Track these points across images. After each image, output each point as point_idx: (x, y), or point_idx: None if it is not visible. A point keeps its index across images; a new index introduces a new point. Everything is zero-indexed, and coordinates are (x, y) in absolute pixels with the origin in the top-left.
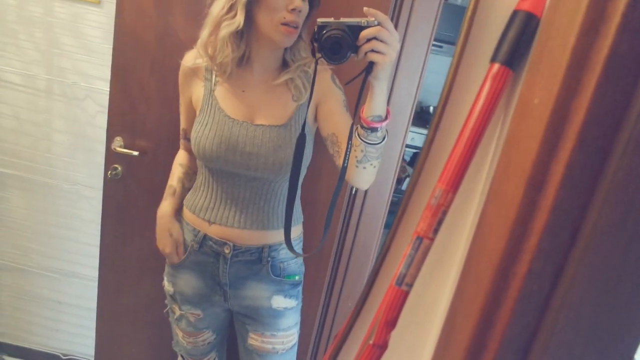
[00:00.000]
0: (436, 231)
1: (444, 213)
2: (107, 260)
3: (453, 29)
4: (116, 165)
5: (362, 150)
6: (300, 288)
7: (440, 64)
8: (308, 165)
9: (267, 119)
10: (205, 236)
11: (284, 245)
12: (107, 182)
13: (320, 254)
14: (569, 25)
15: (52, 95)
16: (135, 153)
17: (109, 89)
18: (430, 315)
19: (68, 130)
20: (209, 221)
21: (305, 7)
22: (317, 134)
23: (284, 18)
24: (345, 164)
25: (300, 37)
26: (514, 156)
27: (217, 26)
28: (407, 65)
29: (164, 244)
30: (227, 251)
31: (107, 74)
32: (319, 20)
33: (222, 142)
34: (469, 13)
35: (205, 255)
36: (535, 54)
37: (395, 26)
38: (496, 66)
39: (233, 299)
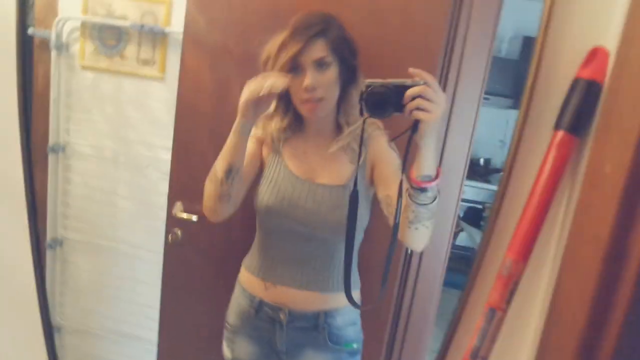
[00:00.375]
0: (508, 302)
1: (515, 284)
2: (166, 323)
3: (500, 80)
4: (177, 230)
5: (412, 211)
6: (358, 357)
7: (487, 115)
8: (365, 228)
9: (328, 179)
10: (261, 301)
11: (341, 312)
12: (167, 246)
13: (378, 316)
14: (636, 94)
15: (118, 165)
16: (195, 218)
17: (170, 157)
18: None
19: (132, 196)
20: (266, 280)
21: (324, 78)
22: (375, 198)
23: (302, 97)
24: (397, 222)
25: (346, 100)
26: (587, 225)
27: None
28: (458, 121)
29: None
30: (282, 317)
31: (168, 143)
32: (367, 80)
33: (285, 198)
34: (530, 80)
35: (262, 322)
36: (602, 121)
37: (445, 83)
38: (561, 133)
39: None
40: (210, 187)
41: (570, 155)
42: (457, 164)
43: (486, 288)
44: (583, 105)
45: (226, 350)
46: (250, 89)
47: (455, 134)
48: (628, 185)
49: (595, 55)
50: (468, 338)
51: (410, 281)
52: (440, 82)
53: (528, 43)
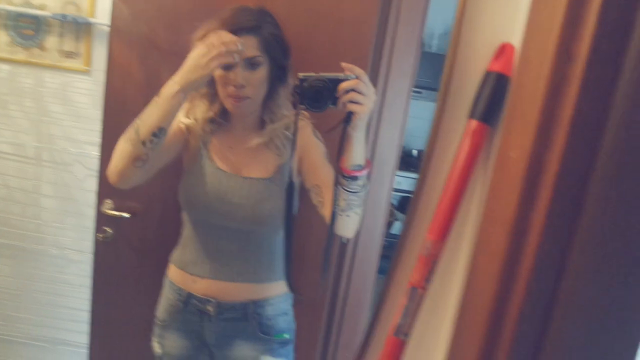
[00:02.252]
0: (428, 281)
1: (435, 263)
2: (98, 326)
3: (431, 75)
4: (106, 228)
5: (344, 199)
6: (290, 347)
7: (420, 109)
8: (293, 218)
9: (254, 172)
10: (189, 294)
11: (271, 301)
12: (97, 245)
13: (314, 305)
14: (536, 86)
15: (41, 162)
16: (126, 215)
17: (98, 153)
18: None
19: (56, 195)
20: (196, 275)
21: (254, 77)
22: (301, 187)
23: (229, 92)
24: (335, 210)
25: (273, 98)
26: (496, 207)
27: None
28: (389, 114)
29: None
30: (210, 309)
31: (95, 138)
32: (300, 74)
33: (211, 192)
34: (446, 72)
35: (190, 315)
36: (509, 111)
37: (375, 78)
38: (474, 122)
39: (220, 359)
40: (125, 147)
41: (483, 143)
42: (389, 155)
43: (410, 269)
44: (493, 96)
45: (156, 346)
46: (213, 44)
47: (386, 126)
48: (529, 169)
49: (504, 50)
50: (392, 316)
51: (345, 270)
52: (370, 77)
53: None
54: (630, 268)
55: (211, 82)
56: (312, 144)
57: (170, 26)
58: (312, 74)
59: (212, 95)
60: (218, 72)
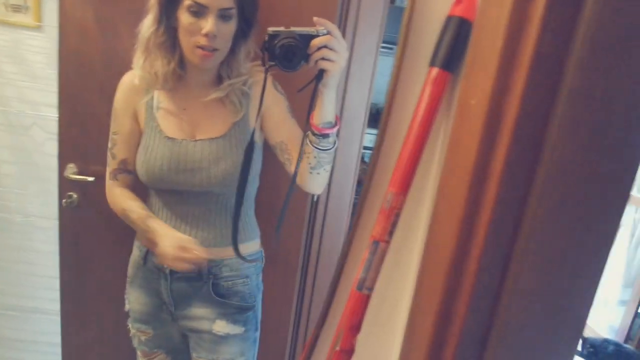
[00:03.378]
0: (391, 234)
1: (397, 215)
2: (68, 292)
3: (396, 30)
4: (71, 193)
5: (315, 157)
6: (251, 314)
7: (390, 66)
8: (259, 174)
9: (206, 133)
10: (148, 251)
11: (227, 263)
12: (62, 211)
13: (287, 264)
14: (495, 29)
15: None
16: (91, 179)
17: (57, 115)
18: (393, 316)
19: (16, 160)
20: None
21: (226, 28)
22: (265, 143)
23: (198, 42)
24: (297, 169)
25: (234, 53)
26: (457, 155)
27: (147, 44)
28: (358, 70)
29: (181, 238)
30: (165, 267)
31: (53, 99)
32: (270, 29)
33: (164, 164)
34: (405, 19)
35: (149, 272)
36: (469, 57)
37: (343, 33)
38: (435, 70)
39: (180, 320)
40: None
41: (444, 91)
42: (359, 112)
43: (372, 223)
44: (455, 42)
45: (126, 303)
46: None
47: (355, 82)
48: (489, 116)
49: None
50: (353, 273)
51: (317, 228)
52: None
53: None
54: (591, 214)
55: (169, 30)
56: (274, 98)
57: None
58: (282, 29)
59: (171, 46)
60: (187, 19)
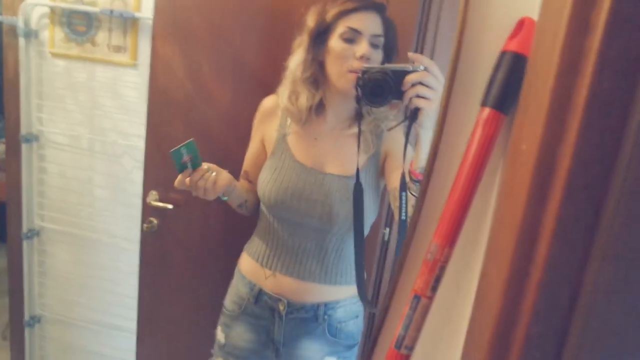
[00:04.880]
0: (434, 289)
1: (442, 269)
2: (145, 312)
3: None
4: (152, 219)
5: (412, 206)
6: (356, 349)
7: None
8: (371, 223)
9: (337, 169)
10: (260, 290)
11: (342, 304)
12: (143, 235)
13: None
14: (548, 65)
15: (94, 153)
16: (170, 206)
17: (144, 145)
18: None
19: (108, 185)
20: (266, 268)
21: (376, 55)
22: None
23: (352, 66)
24: (403, 218)
25: None
26: (507, 207)
27: (294, 78)
28: None
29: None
30: (281, 307)
31: (142, 131)
32: (364, 66)
33: (289, 187)
34: (453, 53)
35: (261, 310)
36: (523, 96)
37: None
38: (487, 110)
39: (285, 357)
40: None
41: (497, 134)
42: None
43: (414, 275)
44: (509, 80)
45: (220, 335)
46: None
47: None
48: (539, 165)
49: (522, 26)
50: (393, 327)
51: (388, 264)
52: None
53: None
54: None
55: (315, 64)
56: (400, 145)
57: (212, 19)
58: (376, 66)
59: (315, 81)
60: (340, 46)
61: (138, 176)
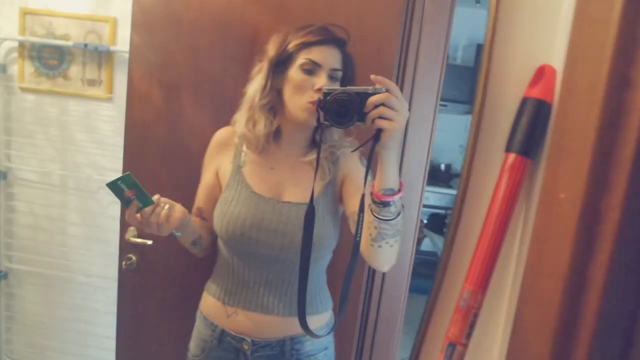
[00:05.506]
0: (469, 335)
1: (475, 316)
2: (123, 354)
3: (456, 87)
4: (130, 255)
5: (375, 227)
6: None
7: (446, 122)
8: (333, 248)
9: (295, 196)
10: (223, 331)
11: (309, 337)
12: (122, 272)
13: (343, 332)
14: (586, 118)
15: (66, 190)
16: (150, 242)
17: None
18: None
19: (82, 222)
20: (227, 305)
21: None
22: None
23: (311, 97)
24: (358, 239)
25: None
26: (545, 253)
27: (251, 104)
28: (417, 129)
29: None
30: (246, 347)
31: (119, 165)
32: (325, 88)
33: (248, 219)
34: (478, 104)
35: (225, 352)
36: (553, 144)
37: (401, 91)
38: (512, 156)
39: None
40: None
41: (523, 178)
42: (417, 172)
43: (445, 321)
44: (533, 125)
45: None
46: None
47: (413, 143)
48: (584, 214)
49: (543, 73)
50: None
51: (376, 292)
52: None
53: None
54: None
55: (273, 92)
56: (356, 169)
57: (190, 52)
58: (337, 87)
59: (273, 108)
60: (299, 77)
61: (115, 211)
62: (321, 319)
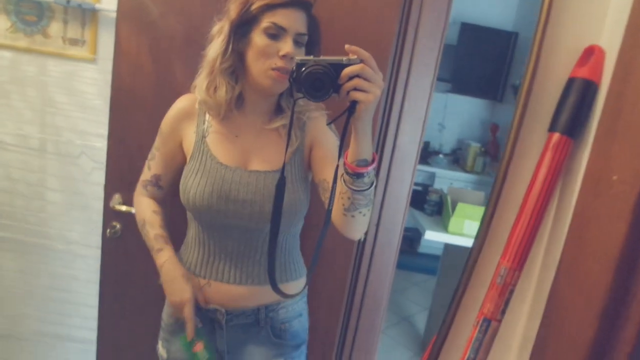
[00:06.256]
0: (504, 312)
1: (511, 292)
2: (106, 322)
3: (444, 66)
4: (115, 223)
5: (349, 198)
6: (304, 347)
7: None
8: (304, 214)
9: (262, 165)
10: (196, 303)
11: (283, 304)
12: (105, 241)
13: (331, 305)
14: None
15: (45, 154)
16: (134, 210)
17: (104, 145)
18: None
19: (63, 188)
20: (200, 277)
21: (299, 54)
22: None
23: (275, 64)
24: (330, 208)
25: None
26: (591, 234)
27: (212, 68)
28: (412, 108)
29: (183, 290)
30: (220, 318)
31: (102, 130)
32: (298, 58)
33: (214, 191)
34: (526, 80)
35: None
36: (604, 125)
37: (398, 70)
38: (556, 136)
39: None
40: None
41: (565, 158)
42: (411, 150)
43: (479, 296)
44: (579, 106)
45: (161, 350)
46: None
47: (409, 120)
48: None
49: (591, 53)
50: (452, 350)
51: (363, 269)
52: (393, 69)
53: (466, 29)
54: None
55: (236, 55)
56: (324, 136)
57: (181, 11)
58: (311, 57)
59: (235, 72)
60: (263, 42)
61: (98, 178)
62: (297, 285)
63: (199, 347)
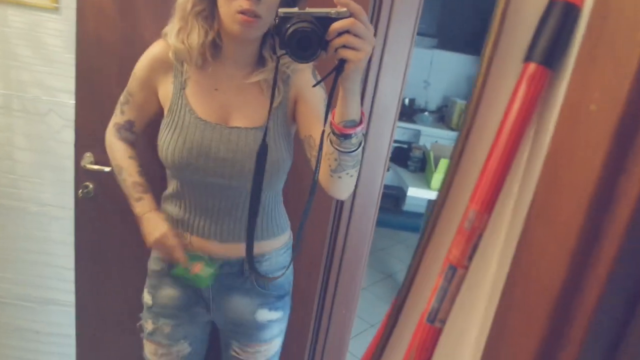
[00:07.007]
0: (471, 258)
1: (480, 237)
2: (83, 283)
3: (423, 20)
4: (87, 183)
5: (335, 159)
6: (287, 298)
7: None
8: (287, 170)
9: (243, 121)
10: (184, 249)
11: (267, 257)
12: (78, 201)
13: (311, 260)
14: (633, 19)
15: (11, 112)
16: (107, 169)
17: (74, 102)
18: (458, 347)
19: (31, 147)
20: (184, 232)
21: None
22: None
23: (240, 6)
24: (317, 172)
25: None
26: (565, 170)
27: (184, 12)
28: (392, 61)
29: (159, 225)
30: None
31: (71, 85)
32: (281, 10)
33: (193, 148)
34: (501, 5)
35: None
36: (583, 50)
37: (377, 20)
38: (532, 66)
39: (216, 312)
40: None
41: (542, 91)
42: (390, 105)
43: (446, 243)
44: (558, 32)
45: (147, 297)
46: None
47: (388, 74)
48: (621, 127)
49: None
50: (420, 299)
51: (343, 224)
52: (372, 19)
53: None
54: None
55: (205, 7)
56: (309, 90)
57: None
58: (296, 10)
59: (209, 16)
60: None
61: (68, 136)
62: (279, 241)
63: (198, 267)
